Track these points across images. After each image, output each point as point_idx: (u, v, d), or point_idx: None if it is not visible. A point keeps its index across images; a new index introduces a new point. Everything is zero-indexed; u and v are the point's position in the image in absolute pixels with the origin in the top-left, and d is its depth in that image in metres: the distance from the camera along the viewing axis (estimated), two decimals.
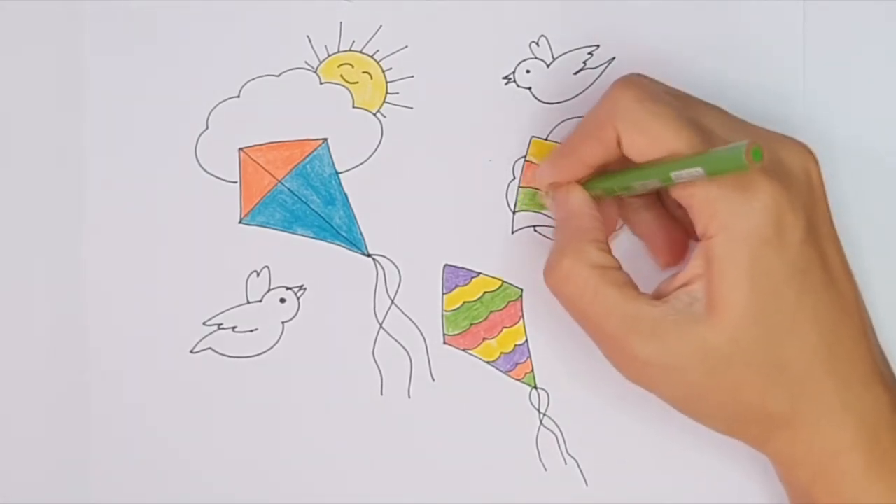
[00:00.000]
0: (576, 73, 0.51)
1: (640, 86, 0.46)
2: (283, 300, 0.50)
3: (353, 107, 0.51)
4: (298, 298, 0.50)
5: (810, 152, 0.46)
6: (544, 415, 0.51)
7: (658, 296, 0.45)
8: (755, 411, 0.44)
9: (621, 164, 0.46)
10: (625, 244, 0.51)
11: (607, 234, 0.48)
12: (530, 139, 0.51)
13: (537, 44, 0.51)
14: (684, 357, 0.44)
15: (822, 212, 0.45)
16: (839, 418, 0.44)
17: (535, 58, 0.51)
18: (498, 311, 0.51)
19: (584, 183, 0.48)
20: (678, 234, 0.49)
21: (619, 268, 0.46)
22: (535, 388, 0.51)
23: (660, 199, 0.49)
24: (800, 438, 0.44)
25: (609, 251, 0.46)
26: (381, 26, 0.51)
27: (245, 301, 0.50)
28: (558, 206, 0.48)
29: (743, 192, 0.43)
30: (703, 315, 0.43)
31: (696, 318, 0.43)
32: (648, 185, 0.46)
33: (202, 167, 0.50)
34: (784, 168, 0.44)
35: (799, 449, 0.45)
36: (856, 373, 0.45)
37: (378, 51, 0.51)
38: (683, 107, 0.45)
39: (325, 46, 0.51)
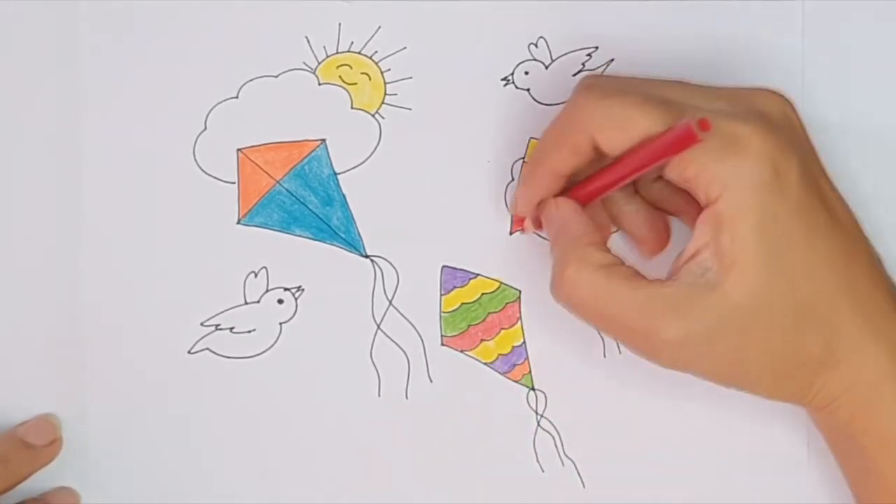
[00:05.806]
0: (574, 75, 0.51)
1: (600, 84, 0.46)
2: (280, 301, 0.50)
3: (352, 108, 0.51)
4: (296, 299, 0.50)
5: (786, 98, 0.47)
6: (541, 416, 0.51)
7: (668, 277, 0.45)
8: (792, 361, 0.45)
9: (590, 169, 0.47)
10: (618, 243, 0.51)
11: (603, 237, 0.48)
12: (529, 140, 0.51)
13: (536, 45, 0.51)
14: (712, 326, 0.44)
15: (810, 152, 0.46)
16: (873, 350, 0.45)
17: (534, 59, 0.51)
18: (496, 312, 0.51)
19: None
20: (659, 220, 0.50)
21: (623, 262, 0.46)
22: (533, 389, 0.51)
23: (636, 189, 0.50)
24: (838, 377, 0.45)
25: (608, 250, 0.46)
26: (379, 27, 0.51)
27: (243, 302, 0.50)
28: (548, 222, 0.48)
29: (734, 148, 0.44)
30: (718, 279, 0.44)
31: (713, 284, 0.44)
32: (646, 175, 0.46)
33: (200, 168, 0.50)
34: (765, 116, 0.45)
35: (838, 388, 0.45)
36: (876, 303, 0.45)
37: (377, 52, 0.51)
38: (645, 89, 0.46)
39: (324, 47, 0.51)
